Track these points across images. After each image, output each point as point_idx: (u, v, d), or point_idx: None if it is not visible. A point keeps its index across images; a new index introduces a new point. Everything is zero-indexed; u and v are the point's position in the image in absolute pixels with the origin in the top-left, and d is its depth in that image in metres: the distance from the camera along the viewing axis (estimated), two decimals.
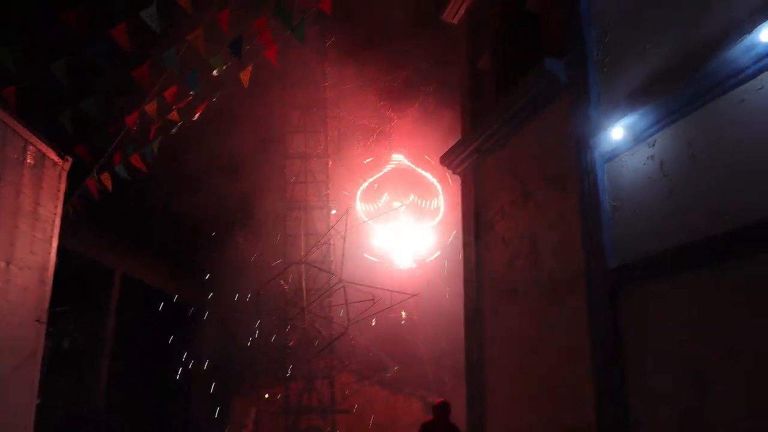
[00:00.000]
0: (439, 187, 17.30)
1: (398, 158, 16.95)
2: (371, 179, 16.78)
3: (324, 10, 7.01)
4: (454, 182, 12.19)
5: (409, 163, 16.99)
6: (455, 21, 10.07)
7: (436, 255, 16.81)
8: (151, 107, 7.32)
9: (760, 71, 4.59)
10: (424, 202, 17.09)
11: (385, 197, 16.49)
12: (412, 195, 16.54)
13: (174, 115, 7.71)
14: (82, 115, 6.83)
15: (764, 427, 4.32)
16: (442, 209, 17.13)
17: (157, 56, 6.65)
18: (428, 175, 17.16)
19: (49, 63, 6.14)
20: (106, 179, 7.80)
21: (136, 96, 7.28)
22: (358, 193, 17.09)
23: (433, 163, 16.25)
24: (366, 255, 16.47)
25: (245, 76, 7.34)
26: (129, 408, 14.93)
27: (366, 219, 16.29)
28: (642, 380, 5.46)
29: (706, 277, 4.90)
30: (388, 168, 16.76)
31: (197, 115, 7.91)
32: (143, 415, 15.42)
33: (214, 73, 7.10)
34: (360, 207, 16.63)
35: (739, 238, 4.59)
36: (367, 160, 17.05)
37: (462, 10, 9.85)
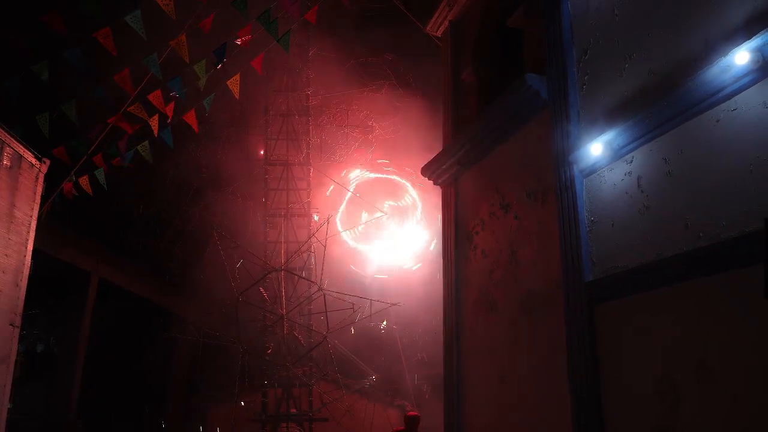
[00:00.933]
0: (415, 195, 17.41)
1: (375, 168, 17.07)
2: (349, 194, 16.86)
3: (310, 20, 7.03)
4: (435, 192, 12.24)
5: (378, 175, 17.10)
6: (439, 33, 10.16)
7: (416, 267, 16.86)
8: (134, 110, 7.26)
9: (735, 92, 4.69)
10: (400, 204, 17.23)
11: (364, 216, 16.57)
12: (387, 204, 16.59)
13: (155, 119, 7.67)
14: (62, 118, 6.78)
15: None
16: (419, 217, 17.23)
17: (139, 61, 6.62)
18: (408, 185, 17.26)
19: (28, 65, 6.09)
20: (84, 182, 7.74)
21: (118, 100, 7.23)
22: (341, 208, 17.17)
23: (413, 173, 16.34)
24: (351, 266, 16.52)
25: (235, 87, 7.29)
26: (102, 414, 14.73)
27: (342, 230, 16.33)
28: (618, 394, 5.51)
29: (681, 292, 4.96)
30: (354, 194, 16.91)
31: (200, 122, 7.82)
32: (117, 421, 15.21)
33: (200, 84, 7.05)
34: (338, 219, 16.70)
35: (713, 253, 4.66)
36: (350, 172, 17.12)
37: (445, 23, 9.93)
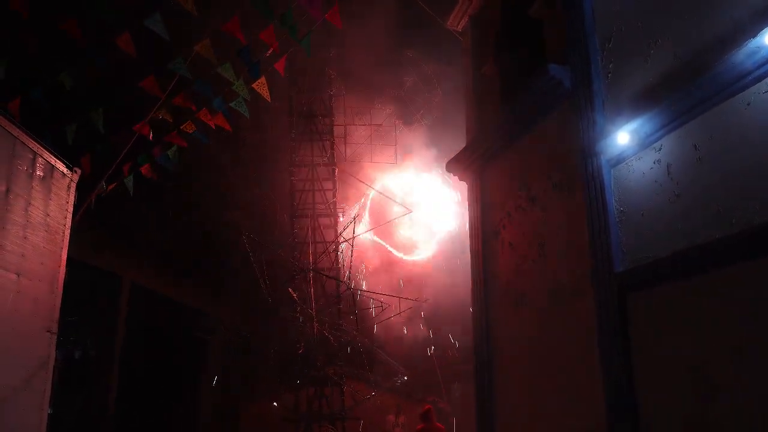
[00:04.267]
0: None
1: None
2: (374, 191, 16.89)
3: (333, 22, 7.03)
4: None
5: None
6: (459, 28, 10.12)
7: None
8: (162, 116, 7.33)
9: (766, 74, 4.60)
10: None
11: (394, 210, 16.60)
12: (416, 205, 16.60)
13: (189, 125, 7.74)
14: (90, 126, 6.88)
15: None
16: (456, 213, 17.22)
17: (165, 66, 6.68)
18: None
19: (53, 74, 6.19)
20: (148, 170, 7.81)
21: (146, 106, 7.30)
22: (368, 202, 17.20)
23: (439, 171, 16.32)
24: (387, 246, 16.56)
25: (263, 90, 7.30)
26: (139, 417, 14.96)
27: (369, 228, 16.38)
28: (652, 384, 5.45)
29: (714, 280, 4.89)
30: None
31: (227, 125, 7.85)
32: (153, 423, 15.44)
33: (236, 88, 7.08)
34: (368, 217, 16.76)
35: (746, 240, 4.59)
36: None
37: (465, 18, 9.89)
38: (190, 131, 7.64)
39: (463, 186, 9.77)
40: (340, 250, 15.65)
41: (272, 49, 7.09)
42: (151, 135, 7.49)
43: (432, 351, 16.87)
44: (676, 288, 5.28)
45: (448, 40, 11.06)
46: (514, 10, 8.60)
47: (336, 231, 15.75)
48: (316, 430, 14.70)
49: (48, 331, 6.47)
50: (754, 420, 4.44)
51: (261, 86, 7.15)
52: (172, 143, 7.72)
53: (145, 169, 7.89)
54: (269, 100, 7.35)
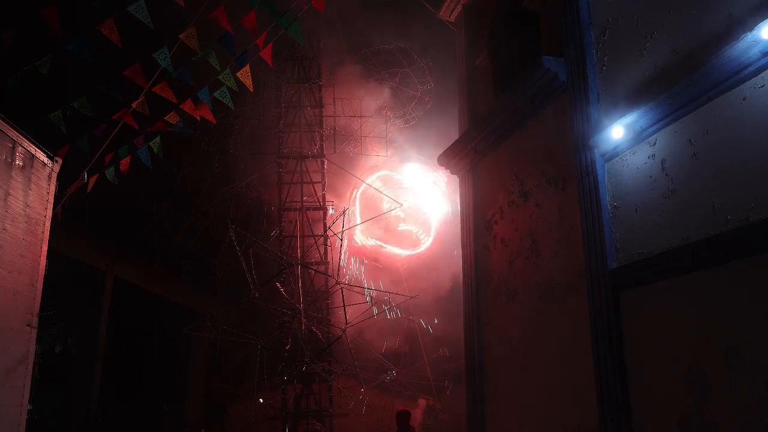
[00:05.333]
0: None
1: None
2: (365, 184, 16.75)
3: (317, 8, 6.87)
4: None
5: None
6: (452, 18, 10.00)
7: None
8: (142, 106, 7.13)
9: (762, 68, 4.54)
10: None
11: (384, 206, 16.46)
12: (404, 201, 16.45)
13: (173, 116, 7.55)
14: (71, 114, 6.69)
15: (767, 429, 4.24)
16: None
17: (149, 54, 6.49)
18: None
19: (32, 62, 5.99)
20: (126, 163, 7.60)
21: (129, 95, 7.10)
22: (357, 194, 17.04)
23: (429, 164, 16.19)
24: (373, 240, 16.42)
25: (247, 79, 7.13)
26: (123, 412, 14.77)
27: (359, 222, 16.24)
28: (644, 382, 5.38)
29: (710, 277, 4.82)
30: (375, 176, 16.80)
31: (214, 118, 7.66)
32: (136, 421, 15.25)
33: (222, 78, 6.91)
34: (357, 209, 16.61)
35: (743, 236, 4.53)
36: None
37: (458, 8, 9.77)
38: (174, 122, 7.45)
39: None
40: (329, 244, 15.50)
41: (259, 38, 6.92)
42: (136, 124, 7.28)
43: (423, 347, 16.79)
44: (670, 285, 5.21)
45: (441, 30, 10.94)
46: (508, 1, 8.49)
47: (324, 225, 15.59)
48: (303, 428, 14.58)
49: (28, 325, 6.31)
50: (749, 419, 4.37)
51: (245, 75, 6.98)
52: (155, 134, 7.53)
53: (123, 163, 7.69)
54: (252, 90, 7.18)
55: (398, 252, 17.61)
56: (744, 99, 4.70)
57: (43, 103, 6.73)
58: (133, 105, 6.99)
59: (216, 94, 7.07)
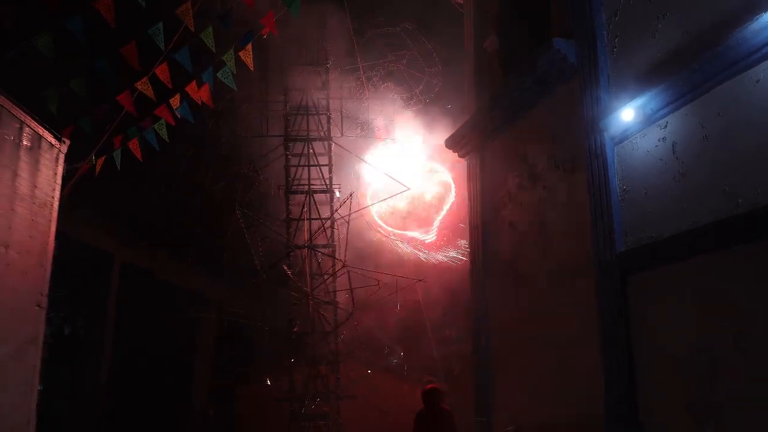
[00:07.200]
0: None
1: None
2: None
3: None
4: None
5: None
6: (460, 0, 9.90)
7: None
8: (144, 87, 7.02)
9: None
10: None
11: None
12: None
13: (176, 99, 7.49)
14: (71, 95, 6.60)
15: None
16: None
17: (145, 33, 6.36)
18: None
19: (31, 39, 5.89)
20: (134, 146, 7.53)
21: (131, 76, 7.00)
22: (364, 179, 16.96)
23: (434, 145, 16.10)
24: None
25: (248, 58, 7.05)
26: (131, 394, 14.89)
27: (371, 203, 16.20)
28: (652, 367, 5.37)
29: (719, 260, 4.80)
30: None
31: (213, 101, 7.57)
32: (145, 402, 15.37)
33: (219, 74, 6.82)
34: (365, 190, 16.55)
35: (753, 220, 4.50)
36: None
37: None
38: (176, 106, 7.37)
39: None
40: (336, 227, 15.48)
41: (267, 28, 6.83)
42: (133, 109, 7.18)
43: (430, 329, 16.81)
44: (679, 269, 5.19)
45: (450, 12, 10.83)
46: None
47: (332, 208, 15.57)
48: (311, 410, 14.66)
49: (37, 305, 6.34)
50: (758, 403, 4.36)
51: (246, 55, 6.90)
52: (160, 117, 7.46)
53: (132, 144, 7.64)
54: (252, 69, 7.10)
55: (412, 236, 17.53)
56: (757, 81, 4.64)
57: (41, 82, 6.65)
58: (137, 86, 6.90)
59: (219, 74, 6.98)
